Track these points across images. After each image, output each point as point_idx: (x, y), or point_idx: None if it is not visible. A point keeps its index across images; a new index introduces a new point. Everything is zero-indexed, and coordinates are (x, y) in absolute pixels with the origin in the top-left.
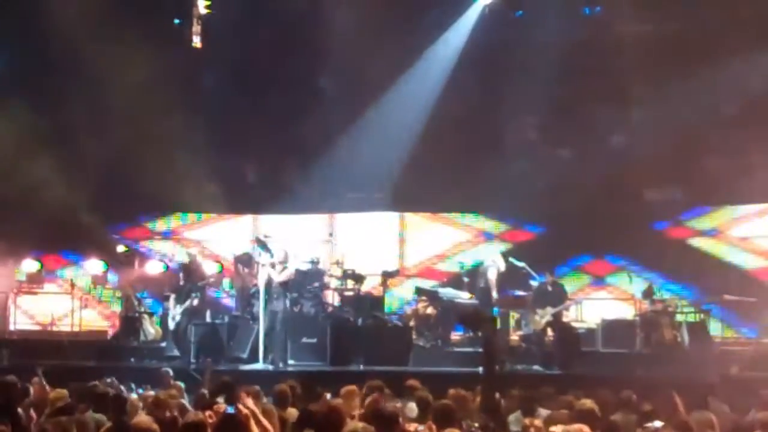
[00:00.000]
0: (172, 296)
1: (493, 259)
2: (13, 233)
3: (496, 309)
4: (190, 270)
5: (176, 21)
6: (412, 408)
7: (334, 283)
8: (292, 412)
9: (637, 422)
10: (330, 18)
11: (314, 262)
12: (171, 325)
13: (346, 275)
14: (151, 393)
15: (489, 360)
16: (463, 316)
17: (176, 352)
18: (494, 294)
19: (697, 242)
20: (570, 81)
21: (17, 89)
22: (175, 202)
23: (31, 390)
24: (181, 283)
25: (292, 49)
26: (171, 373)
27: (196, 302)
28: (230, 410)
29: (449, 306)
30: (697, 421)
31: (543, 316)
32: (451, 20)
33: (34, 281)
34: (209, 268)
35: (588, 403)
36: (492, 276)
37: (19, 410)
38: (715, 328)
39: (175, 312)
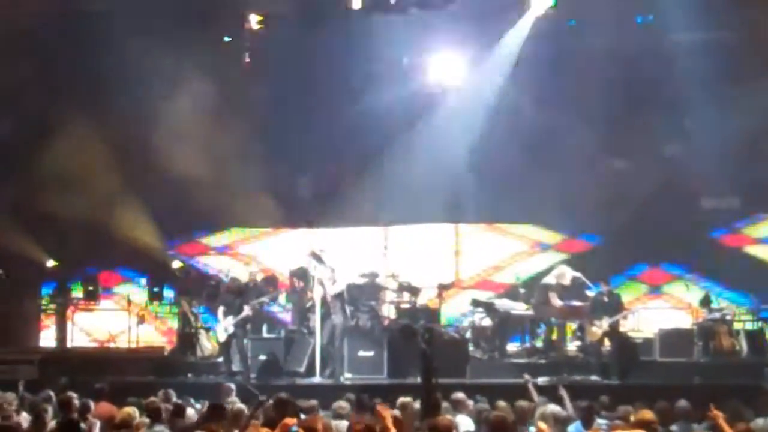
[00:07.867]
0: (221, 308)
1: (555, 274)
2: (70, 249)
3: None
4: (248, 287)
5: (226, 38)
6: (460, 421)
7: (389, 295)
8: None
9: None
10: (383, 30)
11: (372, 276)
12: (222, 336)
13: (402, 288)
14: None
15: (426, 371)
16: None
17: (234, 368)
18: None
19: (754, 250)
20: (624, 90)
21: (73, 108)
22: (230, 216)
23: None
24: (234, 297)
25: (345, 62)
26: (233, 387)
27: (247, 315)
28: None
29: (506, 317)
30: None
31: (600, 327)
32: (505, 30)
33: (91, 298)
34: (267, 284)
35: (647, 414)
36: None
37: (82, 425)
38: None
39: (227, 323)
